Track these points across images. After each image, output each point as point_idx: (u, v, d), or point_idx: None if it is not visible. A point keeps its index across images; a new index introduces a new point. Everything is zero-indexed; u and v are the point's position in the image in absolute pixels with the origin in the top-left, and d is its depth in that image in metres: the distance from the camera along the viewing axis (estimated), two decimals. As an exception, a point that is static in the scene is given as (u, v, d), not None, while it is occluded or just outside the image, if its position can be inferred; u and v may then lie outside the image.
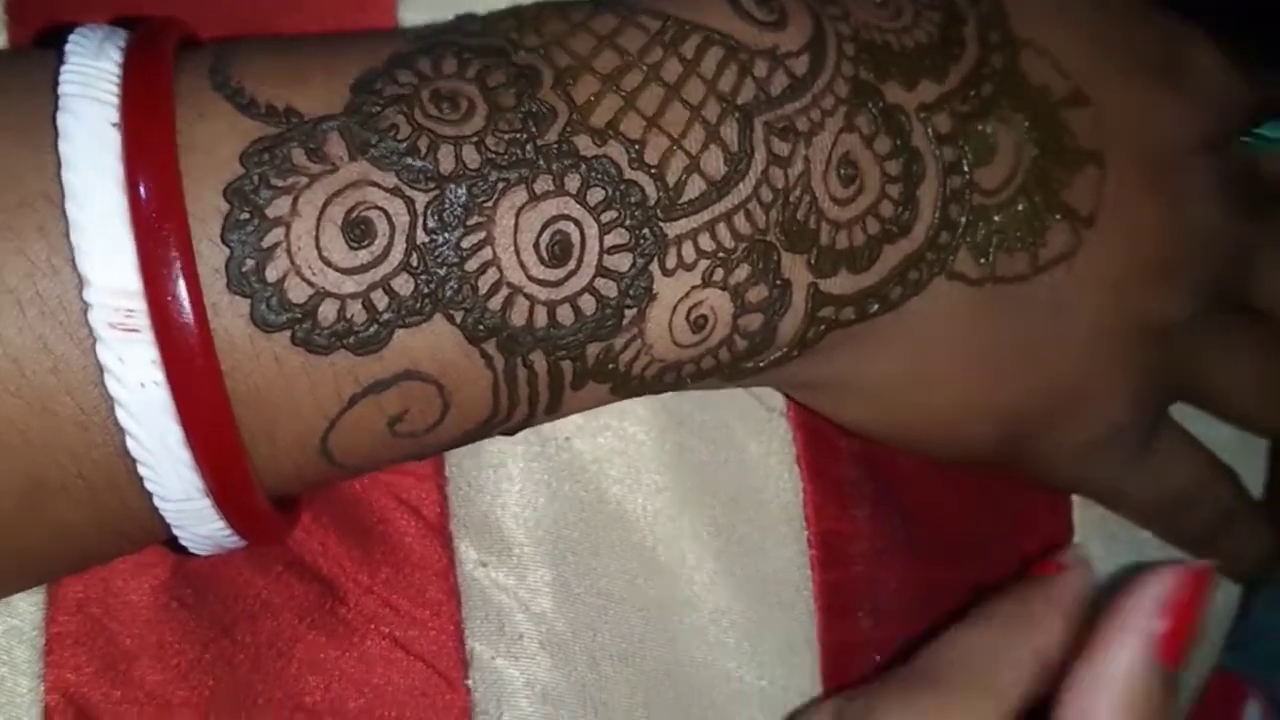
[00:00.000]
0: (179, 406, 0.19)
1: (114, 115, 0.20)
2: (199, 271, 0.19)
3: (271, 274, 0.20)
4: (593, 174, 0.21)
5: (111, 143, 0.19)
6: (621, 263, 0.22)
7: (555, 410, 0.23)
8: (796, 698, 0.28)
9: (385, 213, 0.20)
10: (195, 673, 0.26)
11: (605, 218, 0.21)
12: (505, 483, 0.27)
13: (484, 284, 0.21)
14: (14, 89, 0.20)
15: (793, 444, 0.28)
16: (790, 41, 0.23)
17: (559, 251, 0.21)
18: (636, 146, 0.22)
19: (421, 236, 0.20)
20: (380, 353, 0.21)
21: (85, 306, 0.19)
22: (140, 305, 0.19)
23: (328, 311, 0.20)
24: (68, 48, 0.21)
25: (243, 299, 0.20)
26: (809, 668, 0.28)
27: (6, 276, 0.19)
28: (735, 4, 0.23)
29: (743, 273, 0.23)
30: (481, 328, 0.21)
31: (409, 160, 0.20)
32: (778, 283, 0.23)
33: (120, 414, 0.19)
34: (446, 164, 0.21)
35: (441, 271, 0.21)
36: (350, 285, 0.20)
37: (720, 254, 0.22)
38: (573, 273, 0.21)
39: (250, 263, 0.20)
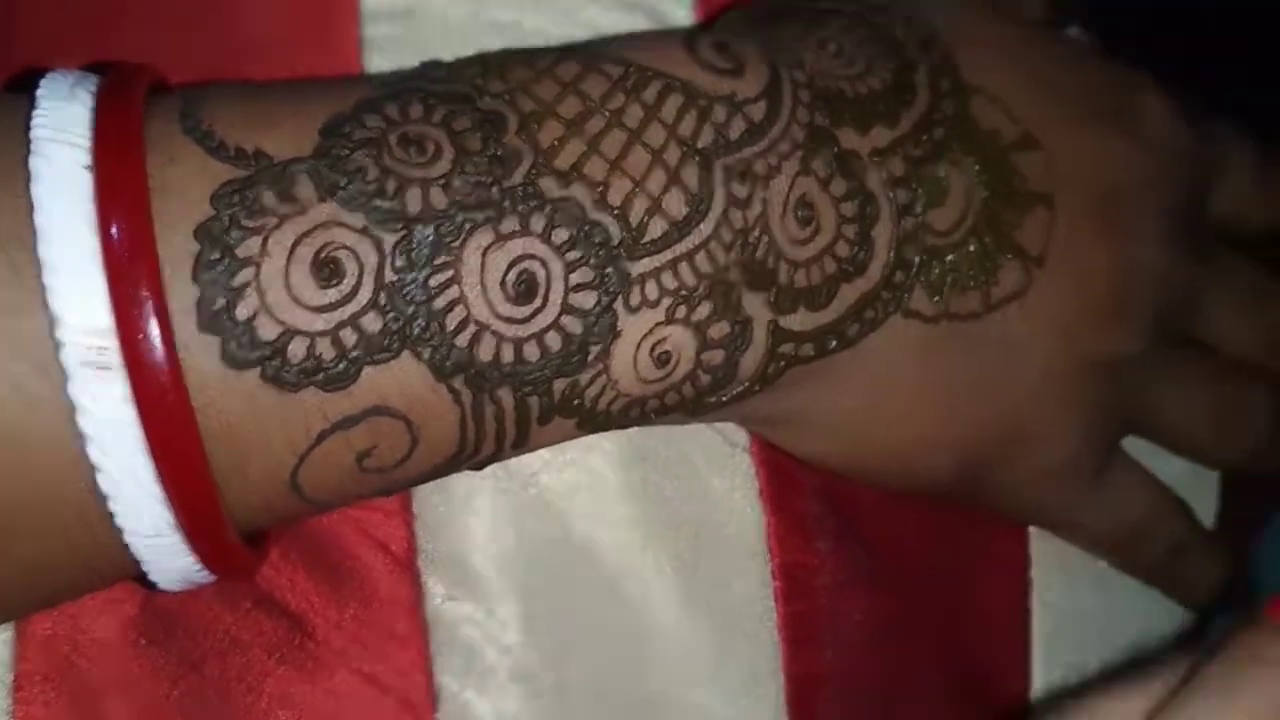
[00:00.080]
0: (150, 442, 0.20)
1: (86, 158, 0.20)
2: (170, 310, 0.20)
3: (242, 312, 0.20)
4: (558, 214, 0.22)
5: (83, 185, 0.20)
6: (586, 300, 0.22)
7: (522, 445, 0.23)
8: (762, 729, 0.29)
9: (354, 252, 0.21)
10: (164, 709, 0.26)
11: (570, 256, 0.22)
12: (473, 518, 0.27)
13: (451, 321, 0.21)
14: None
15: (756, 478, 0.29)
16: (748, 89, 0.24)
17: (525, 289, 0.22)
18: (600, 188, 0.22)
19: (389, 275, 0.21)
20: (349, 389, 0.21)
21: (57, 345, 0.19)
22: (112, 343, 0.19)
23: (297, 349, 0.21)
24: (39, 92, 0.21)
25: (213, 337, 0.20)
26: (773, 699, 0.29)
27: None
28: (694, 53, 0.24)
29: (705, 310, 0.23)
30: (449, 364, 0.21)
31: (377, 202, 0.21)
32: (738, 319, 0.24)
33: (91, 450, 0.20)
34: (414, 205, 0.21)
35: (409, 309, 0.21)
36: (319, 323, 0.21)
37: (683, 292, 0.23)
38: (539, 310, 0.22)
39: (221, 302, 0.20)
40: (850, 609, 0.29)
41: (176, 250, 0.20)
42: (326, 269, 0.21)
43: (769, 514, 0.29)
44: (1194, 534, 0.32)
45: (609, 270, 0.22)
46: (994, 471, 0.29)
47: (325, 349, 0.21)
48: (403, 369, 0.21)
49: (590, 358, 0.22)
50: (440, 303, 0.21)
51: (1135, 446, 0.31)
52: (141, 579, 0.22)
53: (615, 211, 0.22)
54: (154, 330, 0.19)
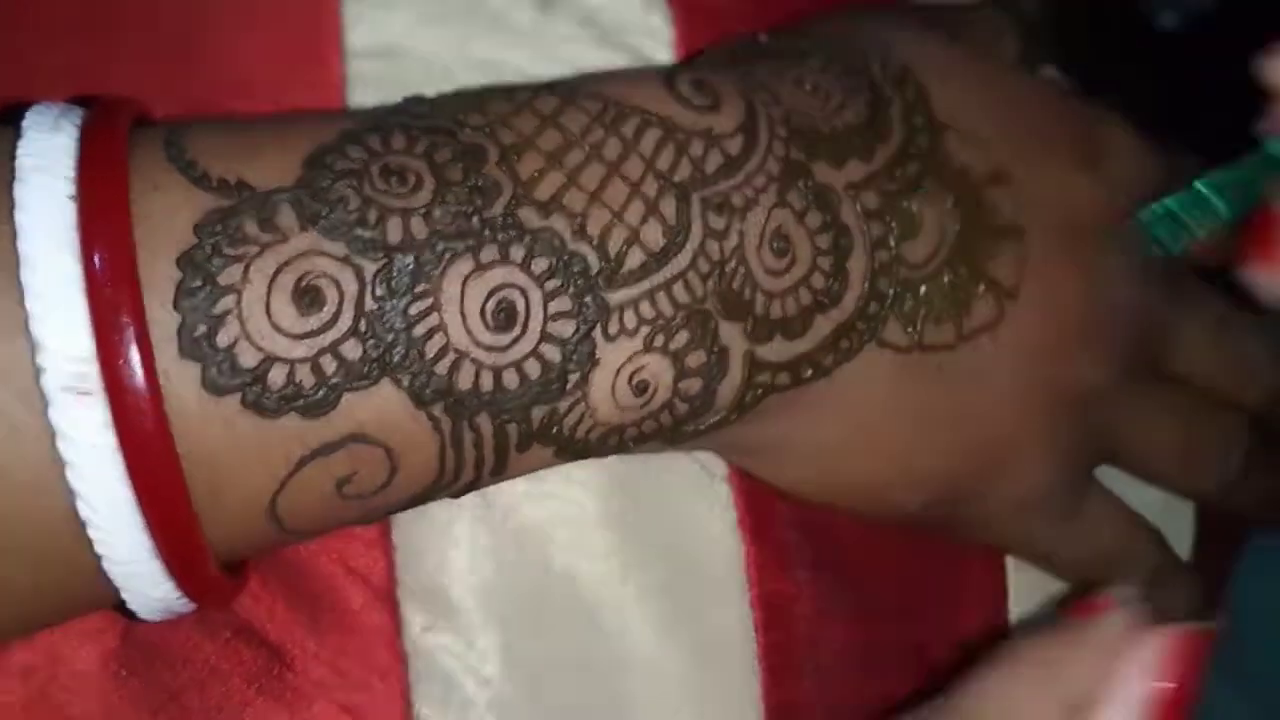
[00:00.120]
0: (130, 468, 0.20)
1: (70, 187, 0.20)
2: (151, 336, 0.20)
3: (222, 339, 0.20)
4: (537, 245, 0.22)
5: (67, 213, 0.20)
6: (565, 329, 0.22)
7: (501, 473, 0.23)
8: (742, 758, 0.29)
9: (334, 280, 0.21)
10: (143, 740, 0.26)
11: (549, 286, 0.22)
12: (452, 549, 0.27)
13: (431, 348, 0.22)
14: None
15: (734, 508, 0.29)
16: (724, 124, 0.25)
17: (504, 318, 0.22)
18: (579, 219, 0.23)
19: (370, 303, 0.21)
20: (328, 416, 0.21)
21: (38, 370, 0.19)
22: (93, 369, 0.20)
23: (277, 376, 0.21)
24: (24, 123, 0.21)
25: (194, 363, 0.20)
26: (753, 728, 0.29)
27: None
28: (672, 88, 0.25)
29: (682, 339, 0.24)
30: (428, 391, 0.22)
31: (358, 231, 0.21)
32: (715, 349, 0.24)
33: (71, 476, 0.20)
34: (395, 234, 0.21)
35: (389, 337, 0.21)
36: (300, 350, 0.21)
37: (660, 321, 0.23)
38: (518, 338, 0.22)
39: (202, 329, 0.20)
40: (829, 638, 0.30)
41: (159, 277, 0.20)
42: (307, 296, 0.21)
43: (748, 543, 0.29)
44: (1169, 563, 0.33)
45: (587, 299, 0.23)
46: (969, 501, 0.29)
47: (305, 376, 0.21)
48: (382, 396, 0.21)
49: (569, 385, 0.23)
50: (420, 330, 0.21)
51: (1112, 471, 0.32)
52: (120, 608, 0.22)
53: (594, 242, 0.23)
54: (135, 356, 0.20)
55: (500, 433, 0.23)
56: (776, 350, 0.25)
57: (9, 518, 0.20)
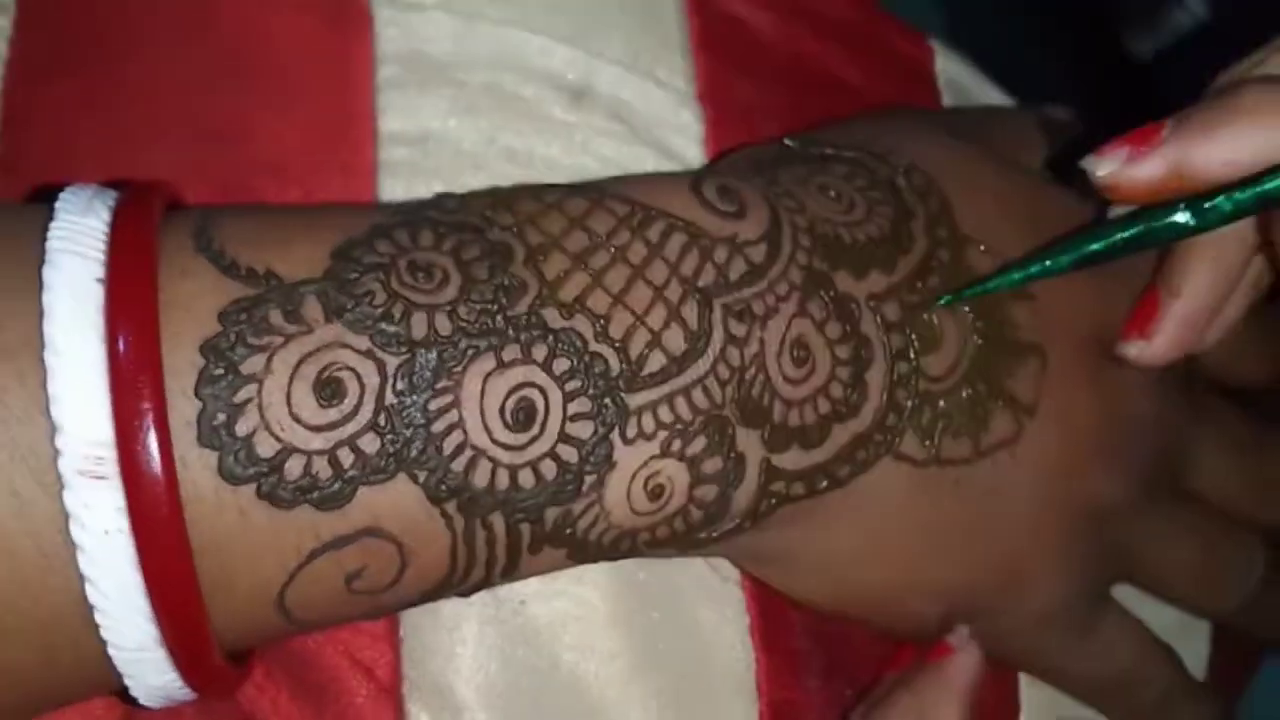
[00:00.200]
0: (141, 556, 0.20)
1: (99, 270, 0.21)
2: (170, 423, 0.20)
3: (241, 428, 0.20)
4: (559, 345, 0.22)
5: (94, 296, 0.20)
6: (583, 430, 0.22)
7: (512, 573, 0.23)
8: None
9: (356, 373, 0.21)
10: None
11: (569, 386, 0.22)
12: (459, 645, 0.27)
13: (449, 445, 0.21)
14: (3, 242, 0.21)
15: (746, 613, 0.29)
16: (749, 231, 0.25)
17: (523, 417, 0.22)
18: (602, 321, 0.23)
19: (390, 398, 0.21)
20: (343, 509, 0.21)
21: (56, 453, 0.19)
22: (110, 454, 0.20)
23: (294, 467, 0.21)
24: (58, 205, 0.22)
25: (211, 452, 0.20)
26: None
27: None
28: (698, 194, 0.25)
29: (699, 445, 0.23)
30: (444, 488, 0.22)
31: (383, 325, 0.21)
32: (732, 455, 0.24)
33: (82, 560, 0.20)
34: (419, 330, 0.21)
35: (408, 432, 0.21)
36: (318, 442, 0.21)
37: (678, 426, 0.23)
38: (535, 438, 0.22)
39: (221, 417, 0.20)
40: (837, 749, 0.29)
41: (181, 364, 0.20)
42: (329, 388, 0.21)
43: (759, 650, 0.29)
44: (1183, 683, 0.32)
45: (607, 401, 0.23)
46: (982, 617, 0.28)
47: (322, 468, 0.21)
48: (397, 491, 0.21)
49: (584, 487, 0.23)
50: (439, 426, 0.21)
51: (1127, 589, 0.31)
52: (121, 694, 0.22)
53: (616, 344, 0.23)
54: (152, 442, 0.20)
55: (513, 532, 0.22)
56: (793, 459, 0.25)
57: (18, 599, 0.20)
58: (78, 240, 0.21)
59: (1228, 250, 0.27)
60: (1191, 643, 0.34)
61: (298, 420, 0.21)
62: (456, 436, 0.22)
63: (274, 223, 0.23)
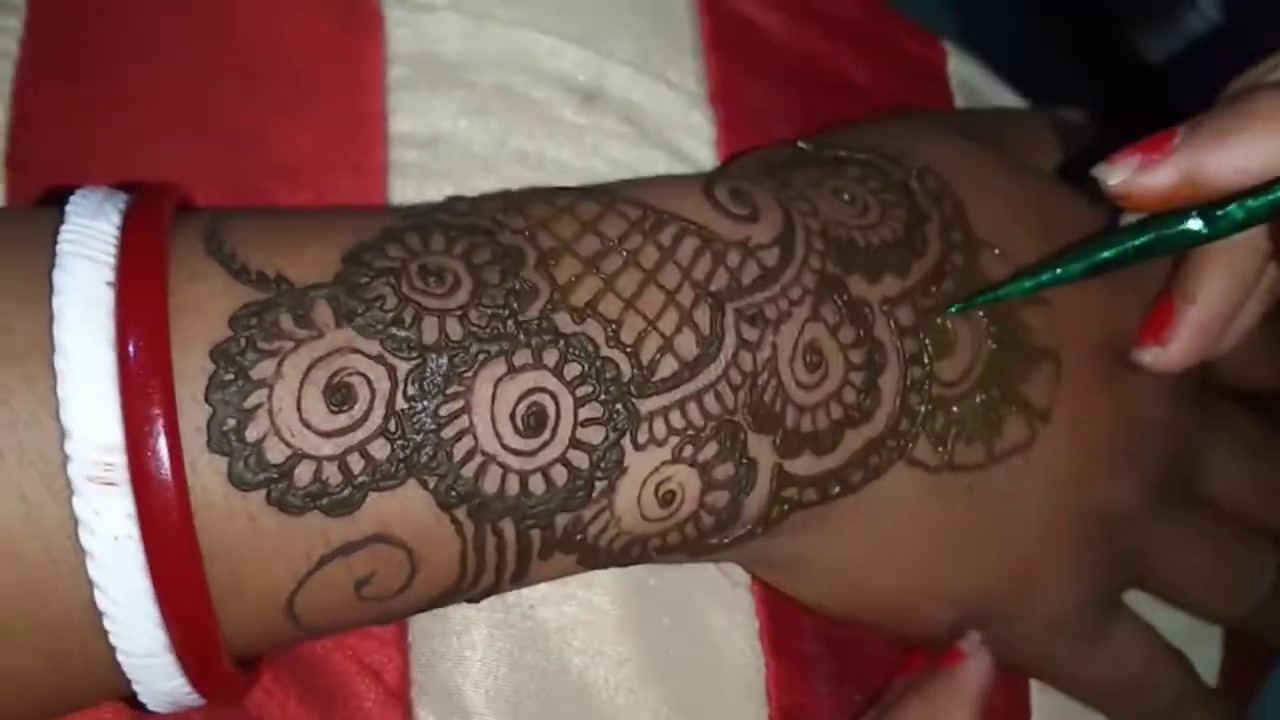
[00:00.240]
0: (151, 562, 0.20)
1: (109, 274, 0.20)
2: (180, 428, 0.20)
3: (251, 434, 0.20)
4: (570, 350, 0.22)
5: (104, 300, 0.20)
6: (594, 436, 0.22)
7: (521, 579, 0.23)
8: None
9: (367, 379, 0.21)
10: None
11: (580, 392, 0.22)
12: (468, 650, 0.27)
13: (459, 451, 0.21)
14: (14, 245, 0.21)
15: (756, 618, 0.29)
16: (762, 234, 0.25)
17: (534, 422, 0.22)
18: (614, 326, 0.23)
19: (401, 403, 0.21)
20: (353, 515, 0.21)
21: (65, 458, 0.19)
22: (120, 459, 0.19)
23: (304, 473, 0.21)
24: (68, 208, 0.21)
25: (221, 457, 0.20)
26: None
27: None
28: (711, 197, 0.25)
29: (711, 450, 0.23)
30: (454, 494, 0.21)
31: (394, 330, 0.21)
32: (744, 461, 0.24)
33: (91, 566, 0.20)
34: (430, 335, 0.21)
35: (418, 438, 0.21)
36: (328, 448, 0.21)
37: (690, 431, 0.23)
38: (546, 443, 0.22)
39: (231, 422, 0.20)
40: (848, 753, 0.29)
41: (191, 369, 0.20)
42: (339, 394, 0.21)
43: (769, 655, 0.28)
44: (1195, 689, 0.32)
45: (618, 406, 0.22)
46: (994, 622, 0.28)
47: (332, 474, 0.21)
48: (407, 497, 0.21)
49: (595, 493, 0.22)
50: (449, 432, 0.21)
51: (1139, 595, 0.31)
52: (130, 699, 0.22)
53: (628, 349, 0.23)
54: (162, 448, 0.20)
55: (523, 538, 0.22)
56: (805, 465, 0.24)
57: (26, 604, 0.20)
58: (88, 244, 0.21)
59: (1242, 257, 0.27)
60: (1203, 648, 0.34)
61: (308, 426, 0.21)
62: (467, 442, 0.21)
63: (284, 226, 0.23)
